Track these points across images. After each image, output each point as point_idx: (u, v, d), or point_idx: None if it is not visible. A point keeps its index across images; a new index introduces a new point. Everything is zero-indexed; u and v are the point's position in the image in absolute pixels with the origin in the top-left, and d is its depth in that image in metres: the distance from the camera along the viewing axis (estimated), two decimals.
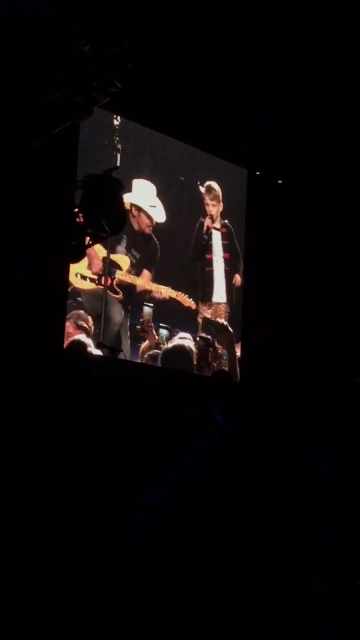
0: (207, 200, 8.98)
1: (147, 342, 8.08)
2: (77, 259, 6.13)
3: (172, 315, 8.38)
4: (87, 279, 7.57)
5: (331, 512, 3.83)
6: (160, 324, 8.24)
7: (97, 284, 7.65)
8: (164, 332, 8.26)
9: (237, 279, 9.15)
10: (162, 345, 8.21)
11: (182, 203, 8.74)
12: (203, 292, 8.80)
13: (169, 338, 8.31)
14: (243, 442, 3.74)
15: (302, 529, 3.67)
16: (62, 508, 5.04)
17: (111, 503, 5.15)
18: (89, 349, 6.95)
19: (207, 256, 8.95)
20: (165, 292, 8.31)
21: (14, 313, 5.90)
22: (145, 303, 8.16)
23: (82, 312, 7.51)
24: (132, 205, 8.03)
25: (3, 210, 5.54)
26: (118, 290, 7.86)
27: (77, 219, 5.66)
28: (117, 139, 7.98)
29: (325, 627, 3.57)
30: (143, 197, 8.23)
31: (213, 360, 8.68)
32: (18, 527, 4.90)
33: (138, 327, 8.04)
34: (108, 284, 7.74)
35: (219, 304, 8.90)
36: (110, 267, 7.78)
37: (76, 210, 5.69)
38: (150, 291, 8.21)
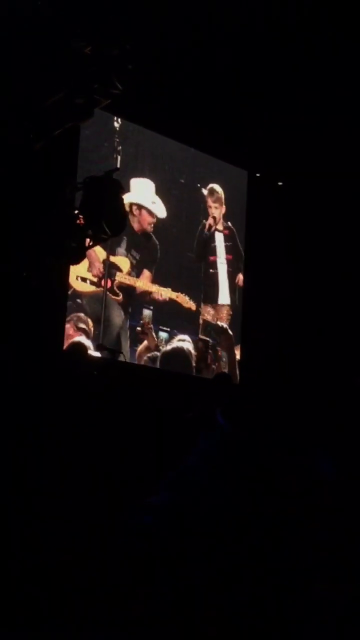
0: (210, 202, 8.99)
1: (143, 344, 8.07)
2: (77, 261, 6.14)
3: (173, 317, 8.38)
4: (88, 281, 7.58)
5: (331, 513, 3.83)
6: (161, 327, 8.24)
7: (97, 287, 7.65)
8: (163, 335, 8.26)
9: (240, 279, 9.15)
10: (161, 348, 8.21)
11: (183, 205, 8.75)
12: (206, 294, 8.80)
13: (168, 340, 8.30)
14: (243, 443, 3.74)
15: (302, 530, 3.67)
16: (62, 508, 5.03)
17: (111, 504, 5.15)
18: (89, 351, 6.95)
19: (211, 258, 8.95)
20: (165, 293, 8.31)
21: (14, 314, 5.90)
22: (145, 305, 8.16)
23: (82, 314, 7.51)
24: (132, 204, 8.03)
25: (3, 211, 5.54)
26: (118, 292, 7.86)
27: (78, 221, 5.67)
28: (118, 140, 7.99)
29: (325, 627, 3.56)
30: (143, 194, 8.22)
31: (212, 362, 8.68)
32: (18, 527, 4.90)
33: (138, 328, 8.05)
34: (108, 286, 7.74)
35: (222, 306, 8.91)
36: (110, 269, 7.78)
37: (76, 211, 5.69)
38: (151, 292, 8.22)
